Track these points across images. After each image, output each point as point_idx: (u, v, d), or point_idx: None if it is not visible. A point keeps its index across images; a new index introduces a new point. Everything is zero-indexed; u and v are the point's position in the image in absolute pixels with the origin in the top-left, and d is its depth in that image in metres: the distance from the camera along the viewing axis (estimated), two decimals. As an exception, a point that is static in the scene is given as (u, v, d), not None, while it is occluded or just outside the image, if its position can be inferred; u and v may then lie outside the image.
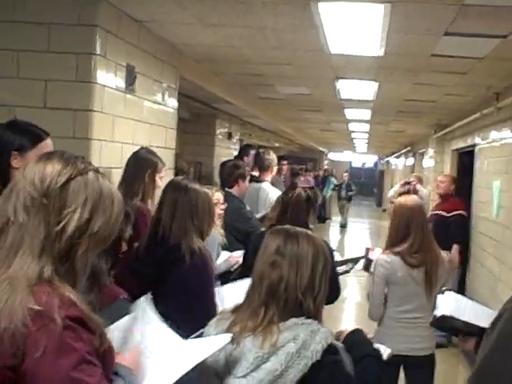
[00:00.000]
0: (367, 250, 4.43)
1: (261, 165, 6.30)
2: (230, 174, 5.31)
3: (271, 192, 5.79)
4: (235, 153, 8.97)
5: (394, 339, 3.65)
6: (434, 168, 10.55)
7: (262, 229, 4.51)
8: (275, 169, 6.40)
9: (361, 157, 36.16)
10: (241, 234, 4.68)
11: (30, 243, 1.42)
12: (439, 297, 3.34)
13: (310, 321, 1.92)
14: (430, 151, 11.26)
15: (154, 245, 3.07)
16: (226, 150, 9.11)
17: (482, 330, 2.00)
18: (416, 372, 3.79)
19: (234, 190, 5.19)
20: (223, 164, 5.70)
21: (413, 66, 5.21)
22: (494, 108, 5.97)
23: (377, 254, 4.16)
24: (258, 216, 5.32)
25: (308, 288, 1.97)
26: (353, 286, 9.69)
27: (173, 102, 5.07)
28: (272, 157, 6.32)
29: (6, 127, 2.75)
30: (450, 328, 2.96)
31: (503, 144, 6.13)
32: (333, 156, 32.95)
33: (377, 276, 3.75)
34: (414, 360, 3.70)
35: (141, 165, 3.70)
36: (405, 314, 3.71)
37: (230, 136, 9.53)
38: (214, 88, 6.46)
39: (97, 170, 1.56)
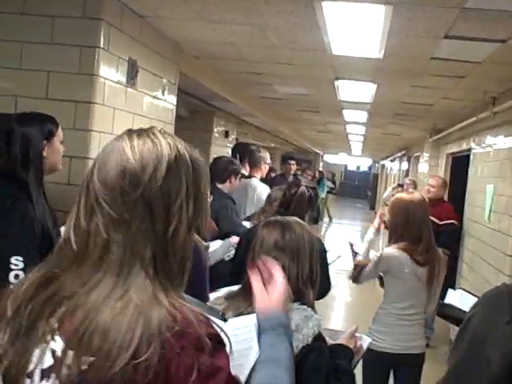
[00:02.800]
0: (351, 244, 4.48)
1: (252, 161, 6.32)
2: (225, 169, 5.28)
3: (259, 188, 5.80)
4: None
5: (393, 337, 3.71)
6: (428, 172, 10.60)
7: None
8: (266, 167, 6.41)
9: (356, 160, 36.26)
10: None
11: (141, 261, 1.15)
12: (449, 291, 3.45)
13: (304, 307, 1.98)
14: (425, 155, 11.32)
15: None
16: (222, 149, 9.13)
17: None
18: (409, 370, 3.83)
19: (226, 187, 5.15)
20: (216, 159, 5.69)
21: (411, 69, 5.26)
22: (490, 113, 6.02)
23: (360, 248, 4.22)
24: (247, 215, 5.30)
25: (308, 276, 2.03)
26: (343, 287, 9.73)
27: (172, 98, 5.09)
28: (264, 154, 6.34)
29: (22, 122, 2.76)
30: (452, 316, 3.12)
31: (498, 149, 6.19)
32: (328, 158, 33.03)
33: (381, 266, 3.78)
34: (409, 358, 3.75)
35: None
36: (404, 310, 3.76)
37: (226, 134, 9.55)
38: (212, 85, 6.49)
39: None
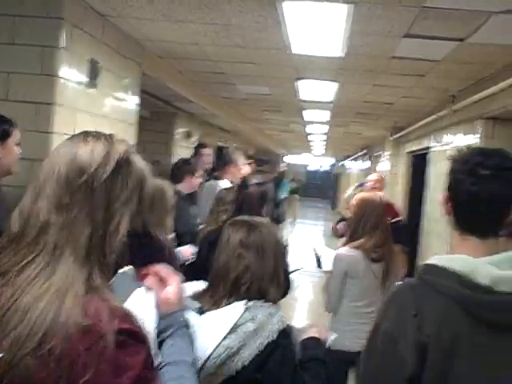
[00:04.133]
0: (314, 249, 4.54)
1: (224, 163, 6.35)
2: (179, 169, 5.37)
3: None
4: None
5: (352, 335, 3.73)
6: (389, 171, 10.74)
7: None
8: (236, 169, 6.42)
9: (318, 159, 36.46)
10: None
11: (74, 246, 1.20)
12: None
13: (268, 304, 2.03)
14: (386, 154, 11.46)
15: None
16: (184, 150, 9.09)
17: None
18: None
19: (183, 186, 5.21)
20: (178, 160, 5.80)
21: (373, 68, 5.32)
22: (449, 111, 6.13)
23: (323, 251, 4.25)
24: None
25: (272, 276, 2.07)
26: (305, 286, 9.83)
27: (135, 99, 5.05)
28: (236, 156, 6.35)
29: None
30: None
31: (456, 146, 6.31)
32: (291, 158, 33.14)
33: (336, 270, 3.81)
34: None
35: None
36: (362, 308, 3.79)
37: (189, 135, 9.51)
38: (175, 85, 6.45)
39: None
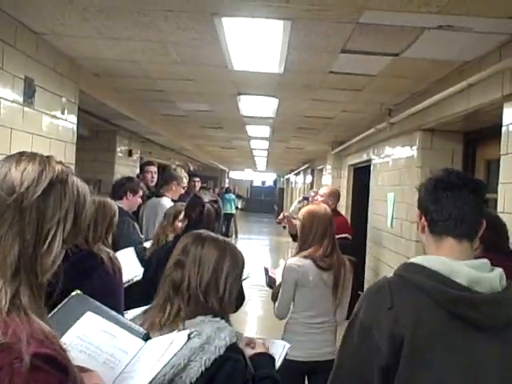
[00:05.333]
0: (266, 269, 4.55)
1: (166, 180, 6.32)
2: (120, 186, 5.31)
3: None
4: (136, 170, 8.95)
5: (304, 345, 3.75)
6: (332, 184, 10.86)
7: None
8: (179, 187, 6.39)
9: (261, 175, 36.68)
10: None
11: (1, 263, 1.18)
12: None
13: (217, 319, 2.00)
14: (328, 168, 11.60)
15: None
16: (126, 168, 8.99)
17: None
18: (323, 376, 3.86)
19: (124, 203, 5.16)
20: (120, 178, 5.76)
21: (311, 83, 5.38)
22: (386, 124, 6.26)
23: (279, 272, 4.28)
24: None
25: (210, 288, 2.06)
26: (255, 301, 9.82)
27: (72, 117, 4.97)
28: (178, 174, 6.32)
29: None
30: None
31: (396, 158, 6.44)
32: (234, 174, 33.22)
33: (287, 281, 3.83)
34: (322, 364, 3.79)
35: None
36: (314, 318, 3.83)
37: (130, 153, 9.41)
38: (114, 103, 6.38)
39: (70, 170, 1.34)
